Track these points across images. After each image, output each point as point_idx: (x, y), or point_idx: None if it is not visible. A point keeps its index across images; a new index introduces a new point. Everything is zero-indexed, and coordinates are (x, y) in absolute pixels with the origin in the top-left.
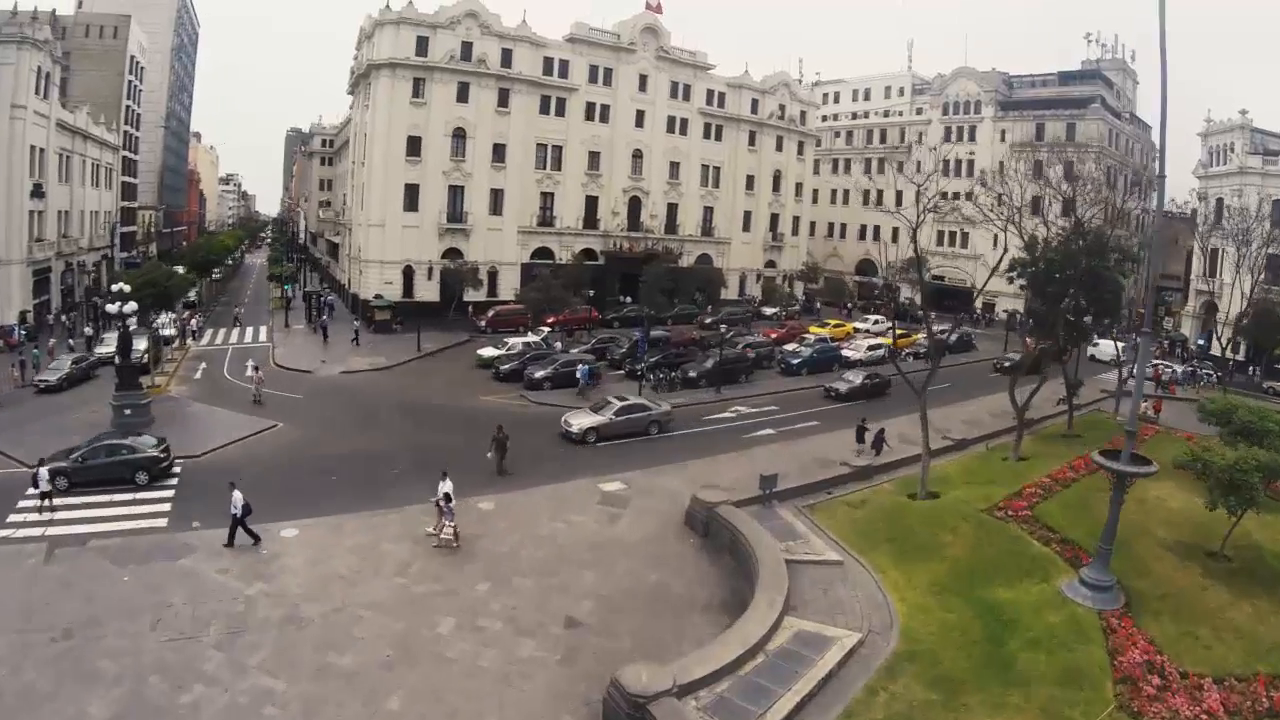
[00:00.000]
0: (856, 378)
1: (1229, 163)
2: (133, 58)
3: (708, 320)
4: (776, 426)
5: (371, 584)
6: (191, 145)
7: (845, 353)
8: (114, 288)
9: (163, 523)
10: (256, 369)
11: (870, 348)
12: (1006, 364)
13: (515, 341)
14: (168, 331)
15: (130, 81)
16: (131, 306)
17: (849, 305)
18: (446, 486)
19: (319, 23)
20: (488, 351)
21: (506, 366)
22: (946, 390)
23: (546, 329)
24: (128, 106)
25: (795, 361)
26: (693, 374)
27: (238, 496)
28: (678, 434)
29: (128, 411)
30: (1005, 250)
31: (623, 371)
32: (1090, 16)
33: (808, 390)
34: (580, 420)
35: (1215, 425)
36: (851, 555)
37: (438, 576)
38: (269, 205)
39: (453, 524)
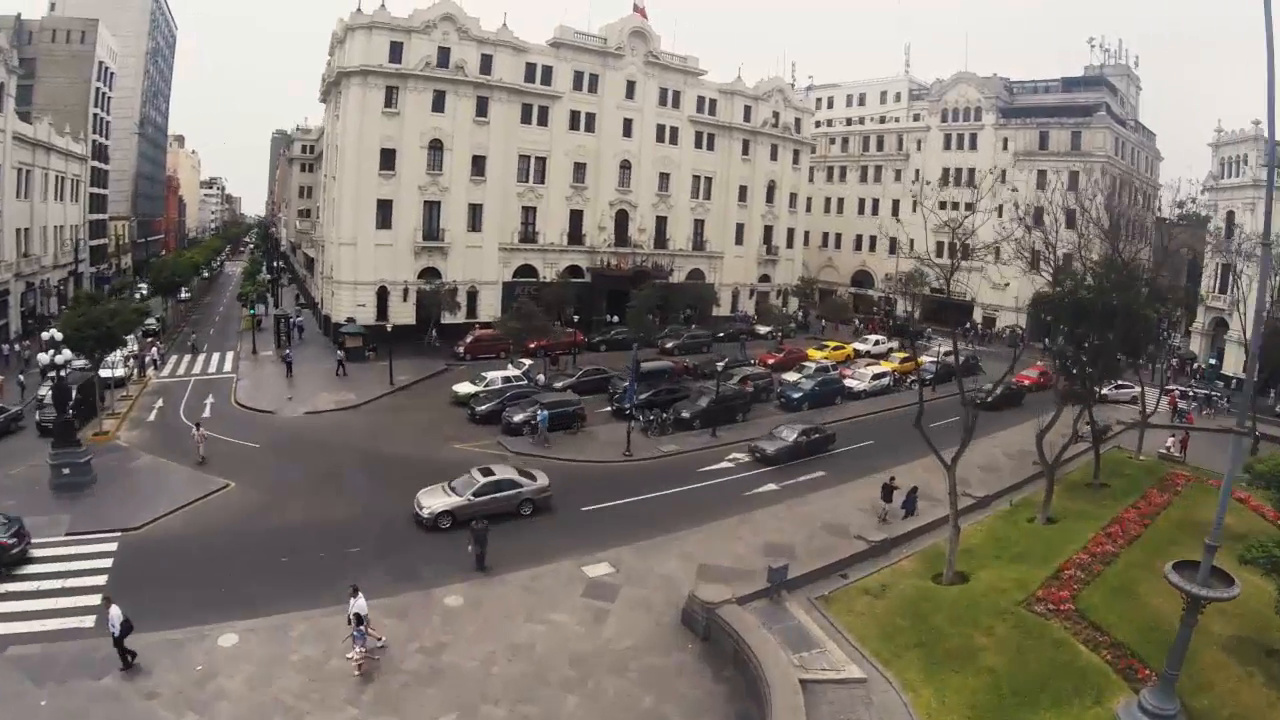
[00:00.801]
0: (790, 433)
1: (1242, 175)
2: (101, 63)
3: (686, 338)
4: (779, 479)
5: (318, 718)
6: (171, 150)
7: (848, 383)
8: (44, 336)
9: (90, 622)
10: (198, 427)
11: (874, 377)
12: (983, 399)
13: (494, 376)
14: (117, 371)
15: (99, 88)
16: (66, 356)
17: (856, 324)
18: (357, 605)
19: (313, 21)
20: (463, 388)
21: (483, 408)
22: (953, 424)
23: (527, 361)
24: (96, 114)
25: (795, 396)
26: (686, 414)
27: (115, 613)
28: (672, 492)
29: (66, 470)
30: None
31: (609, 410)
32: (1091, 18)
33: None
34: (432, 501)
35: (1265, 487)
36: (876, 667)
37: (395, 706)
38: (256, 207)
39: (362, 650)
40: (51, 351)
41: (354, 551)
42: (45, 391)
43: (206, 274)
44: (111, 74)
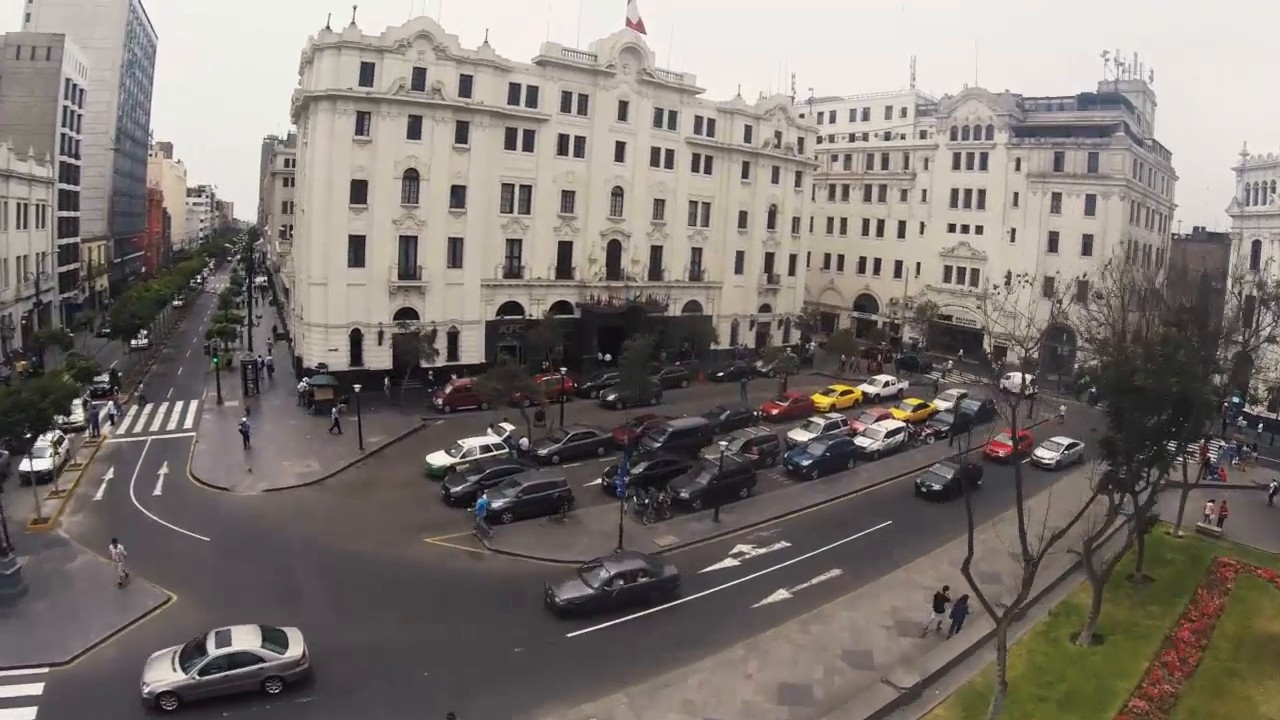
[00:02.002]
0: (595, 579)
1: (1269, 202)
2: (69, 80)
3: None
4: (791, 582)
5: None
6: (153, 161)
7: (859, 441)
8: None
9: None
10: (115, 543)
11: (889, 434)
12: (930, 487)
13: (471, 444)
14: (42, 463)
15: (67, 106)
16: None
17: (878, 359)
18: None
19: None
20: (438, 458)
21: (458, 489)
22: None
23: (509, 427)
24: (65, 133)
25: (805, 464)
26: (684, 494)
27: None
28: (675, 604)
29: None
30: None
31: (600, 483)
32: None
33: (821, 507)
34: (156, 675)
35: None
36: None
37: None
38: (248, 211)
39: None
40: None
41: (304, 703)
42: None
43: (179, 301)
44: (81, 91)
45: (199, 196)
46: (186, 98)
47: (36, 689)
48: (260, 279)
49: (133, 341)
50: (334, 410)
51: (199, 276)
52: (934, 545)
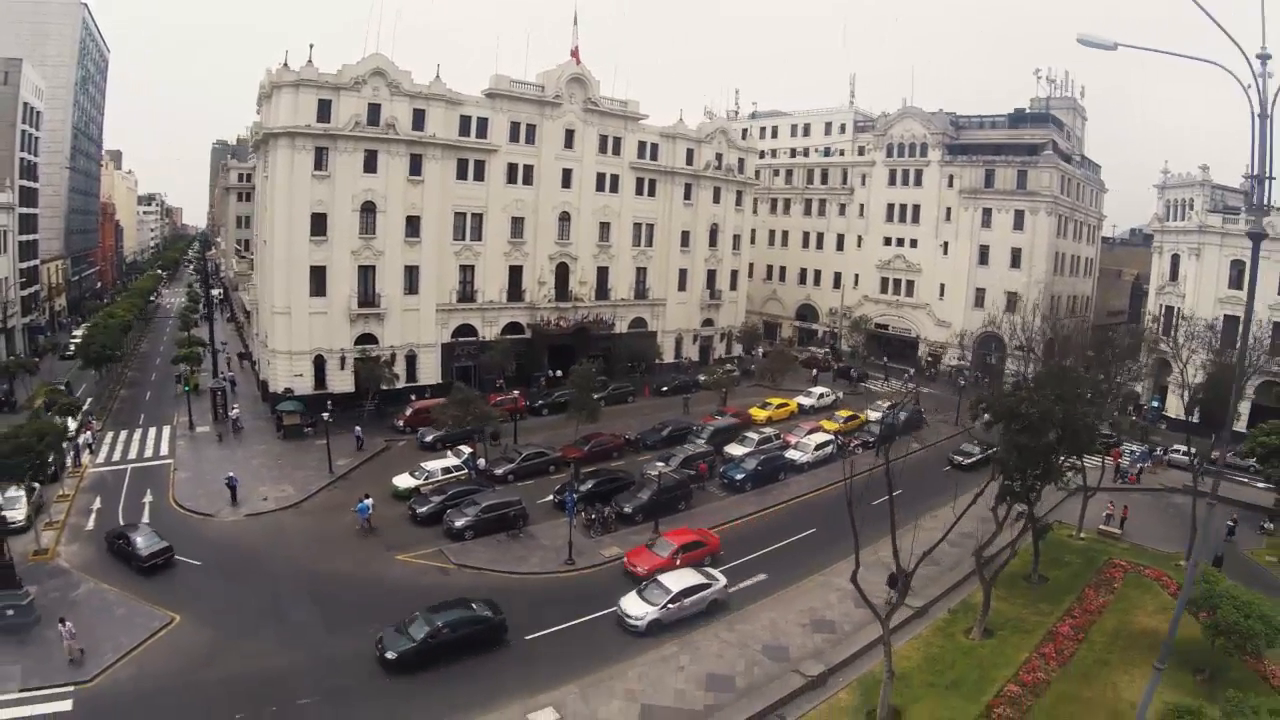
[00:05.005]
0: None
1: (1188, 219)
2: (27, 104)
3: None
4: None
5: None
6: (105, 173)
7: (790, 455)
8: None
9: None
10: (64, 621)
11: (818, 446)
12: (960, 461)
13: (433, 466)
14: (16, 514)
15: (25, 130)
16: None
17: (816, 371)
18: None
19: (248, 14)
20: (403, 480)
21: (424, 510)
22: (899, 498)
23: (467, 449)
24: (23, 159)
25: (739, 477)
26: (628, 509)
27: None
28: (613, 610)
29: (10, 613)
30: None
31: (552, 500)
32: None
33: (752, 517)
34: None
35: (1194, 612)
36: None
37: None
38: (196, 216)
39: None
40: None
41: (305, 703)
42: None
43: (133, 323)
44: (38, 113)
45: (149, 205)
46: (124, 107)
47: (66, 705)
48: (216, 292)
49: (107, 368)
50: (305, 429)
51: (153, 296)
52: (851, 551)
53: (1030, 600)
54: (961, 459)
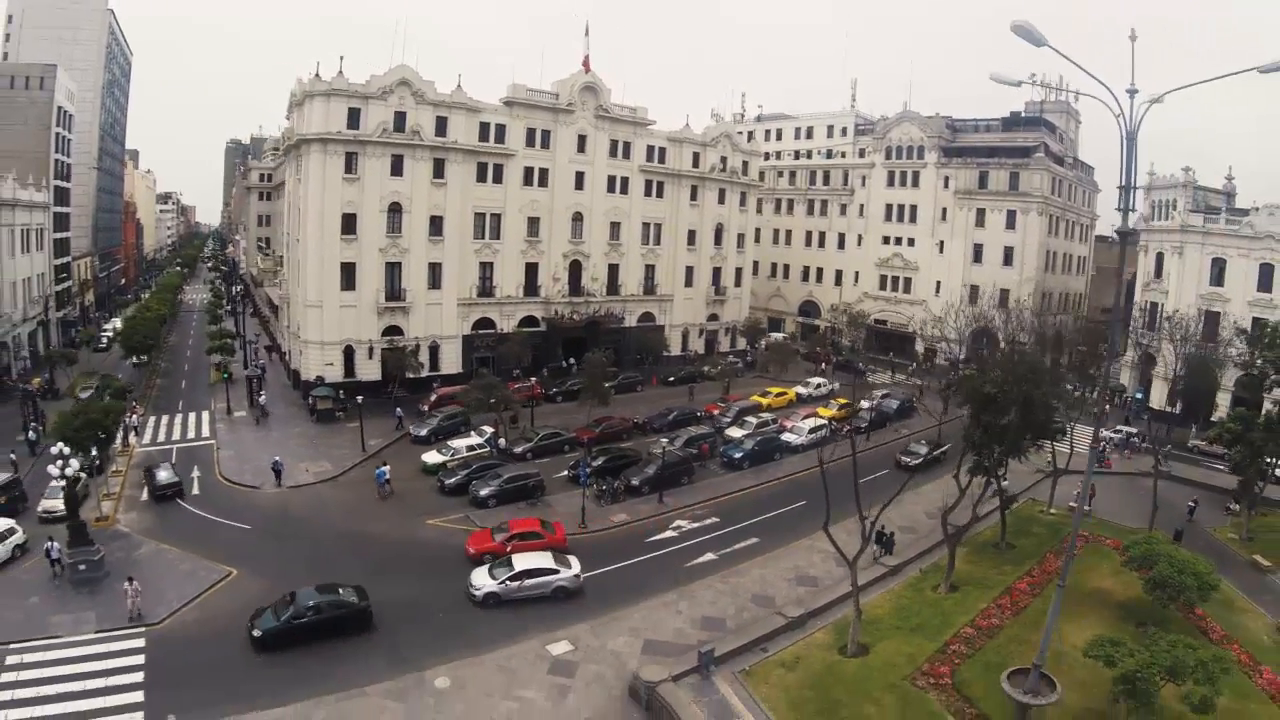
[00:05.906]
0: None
1: (1171, 219)
2: (60, 109)
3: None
4: (718, 548)
5: None
6: (127, 174)
7: (786, 437)
8: (53, 450)
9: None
10: (131, 580)
11: (812, 430)
12: (907, 461)
13: (459, 445)
14: (55, 503)
15: (59, 134)
16: (75, 466)
17: (819, 364)
18: None
19: (252, 18)
20: (432, 457)
21: (451, 481)
22: (884, 478)
23: (489, 429)
24: (57, 160)
25: (737, 456)
26: (635, 481)
27: None
28: (622, 566)
29: (83, 567)
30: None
31: (567, 474)
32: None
33: (748, 491)
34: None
35: (1136, 569)
36: None
37: None
38: (210, 215)
39: None
40: (61, 463)
41: (361, 637)
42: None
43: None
44: (70, 116)
45: (166, 204)
46: (138, 105)
47: (139, 643)
48: (237, 288)
49: (147, 356)
50: (337, 414)
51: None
52: (843, 518)
53: (996, 564)
54: (909, 459)
